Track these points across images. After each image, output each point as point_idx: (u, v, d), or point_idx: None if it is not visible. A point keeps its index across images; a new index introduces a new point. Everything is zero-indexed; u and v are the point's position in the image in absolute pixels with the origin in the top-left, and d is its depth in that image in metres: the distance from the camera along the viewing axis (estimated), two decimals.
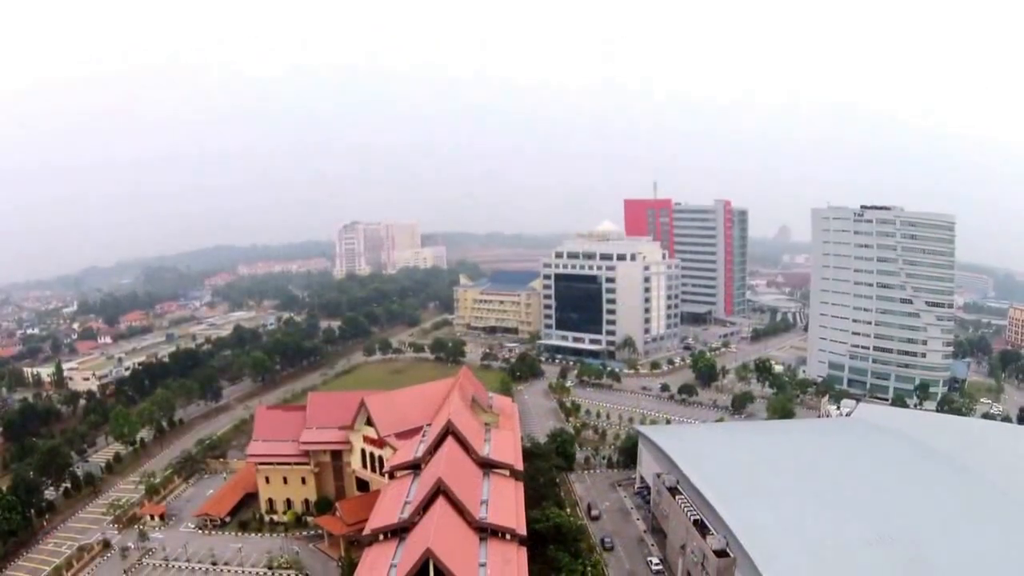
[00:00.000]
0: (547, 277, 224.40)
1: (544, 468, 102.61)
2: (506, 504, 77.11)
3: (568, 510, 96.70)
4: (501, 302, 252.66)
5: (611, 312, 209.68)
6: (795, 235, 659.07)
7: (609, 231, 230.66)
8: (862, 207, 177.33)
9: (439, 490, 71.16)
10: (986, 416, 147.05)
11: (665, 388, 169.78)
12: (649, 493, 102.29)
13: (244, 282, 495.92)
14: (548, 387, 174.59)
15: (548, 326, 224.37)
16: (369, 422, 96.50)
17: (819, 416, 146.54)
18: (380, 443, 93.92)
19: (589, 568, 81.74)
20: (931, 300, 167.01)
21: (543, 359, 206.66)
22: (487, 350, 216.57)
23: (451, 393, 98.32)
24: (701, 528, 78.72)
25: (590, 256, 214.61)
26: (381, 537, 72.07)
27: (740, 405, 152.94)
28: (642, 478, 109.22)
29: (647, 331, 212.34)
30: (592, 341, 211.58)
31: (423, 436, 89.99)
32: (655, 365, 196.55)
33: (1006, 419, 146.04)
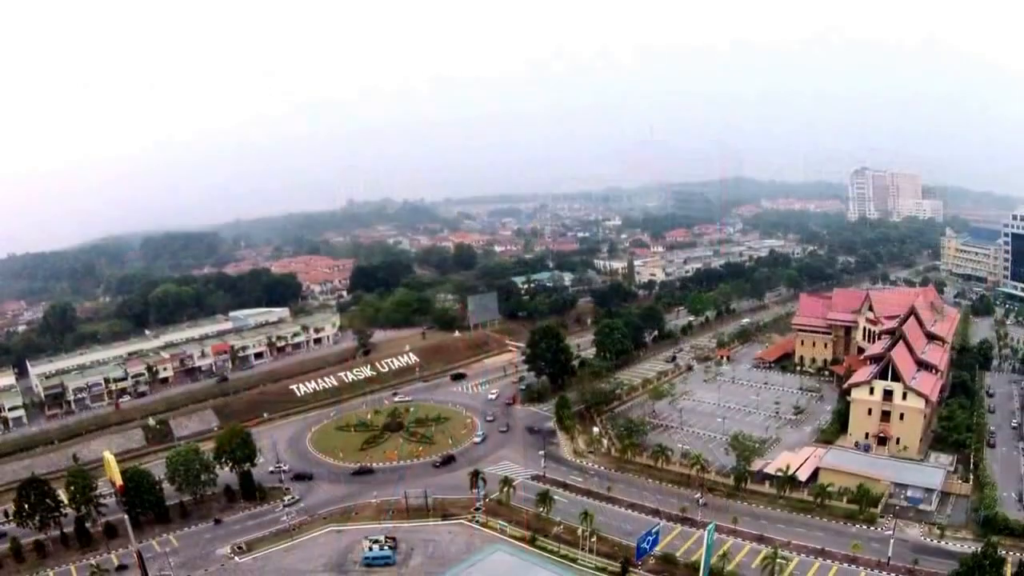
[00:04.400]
0: (1007, 235, 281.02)
1: (967, 359, 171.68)
2: (935, 355, 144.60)
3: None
4: (976, 254, 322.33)
5: None
6: None
7: None
8: None
9: (901, 336, 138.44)
10: None
11: None
12: None
13: (769, 215, 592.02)
14: (994, 321, 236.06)
15: (1006, 277, 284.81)
16: (870, 308, 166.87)
17: None
18: (875, 321, 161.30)
19: (976, 415, 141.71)
20: None
21: (997, 303, 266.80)
22: (959, 291, 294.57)
23: (919, 296, 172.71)
24: None
25: None
26: (868, 363, 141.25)
27: None
28: None
29: None
30: None
31: (900, 317, 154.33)
32: None
33: None
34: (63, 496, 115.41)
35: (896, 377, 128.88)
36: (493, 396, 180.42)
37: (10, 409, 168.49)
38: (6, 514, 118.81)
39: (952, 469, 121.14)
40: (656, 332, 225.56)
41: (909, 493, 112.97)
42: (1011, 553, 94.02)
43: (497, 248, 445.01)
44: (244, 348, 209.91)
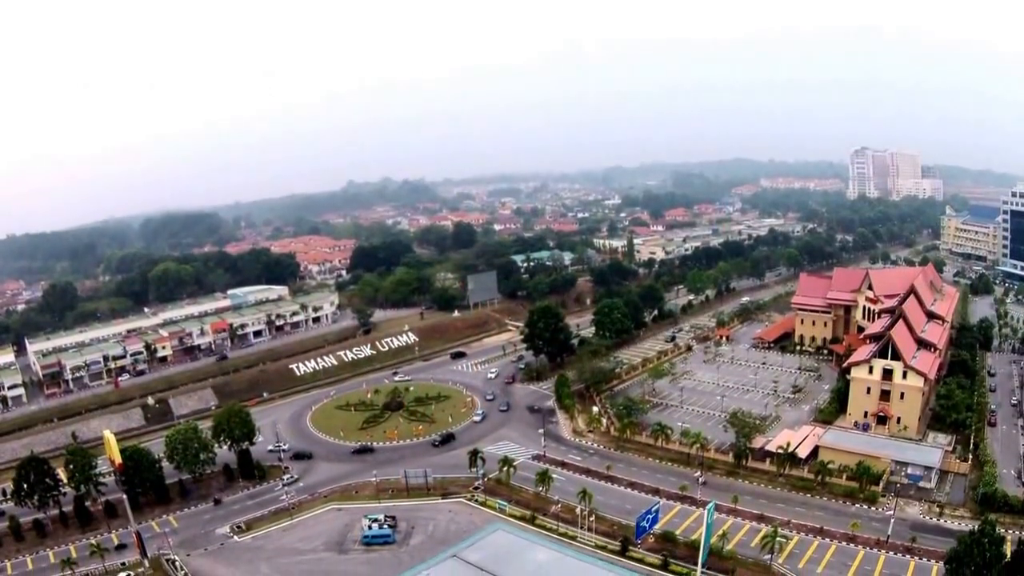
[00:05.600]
0: (1005, 213, 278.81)
1: (966, 338, 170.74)
2: (935, 334, 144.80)
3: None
4: (976, 232, 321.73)
5: None
6: None
7: None
8: None
9: (901, 315, 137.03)
10: None
11: None
12: None
13: (768, 194, 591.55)
14: (993, 300, 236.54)
15: (1005, 255, 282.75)
16: (870, 287, 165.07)
17: None
18: (875, 300, 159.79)
19: (976, 394, 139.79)
20: None
21: (997, 282, 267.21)
22: (958, 270, 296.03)
23: (918, 275, 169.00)
24: None
25: None
26: (867, 342, 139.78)
27: None
28: None
29: None
30: None
31: (899, 296, 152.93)
32: None
33: None
34: (62, 475, 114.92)
35: (896, 356, 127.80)
36: (493, 375, 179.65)
37: (9, 387, 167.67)
38: (4, 493, 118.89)
39: (951, 448, 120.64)
40: (656, 311, 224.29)
41: (909, 471, 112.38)
42: (1010, 531, 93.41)
43: (496, 227, 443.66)
44: (243, 326, 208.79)
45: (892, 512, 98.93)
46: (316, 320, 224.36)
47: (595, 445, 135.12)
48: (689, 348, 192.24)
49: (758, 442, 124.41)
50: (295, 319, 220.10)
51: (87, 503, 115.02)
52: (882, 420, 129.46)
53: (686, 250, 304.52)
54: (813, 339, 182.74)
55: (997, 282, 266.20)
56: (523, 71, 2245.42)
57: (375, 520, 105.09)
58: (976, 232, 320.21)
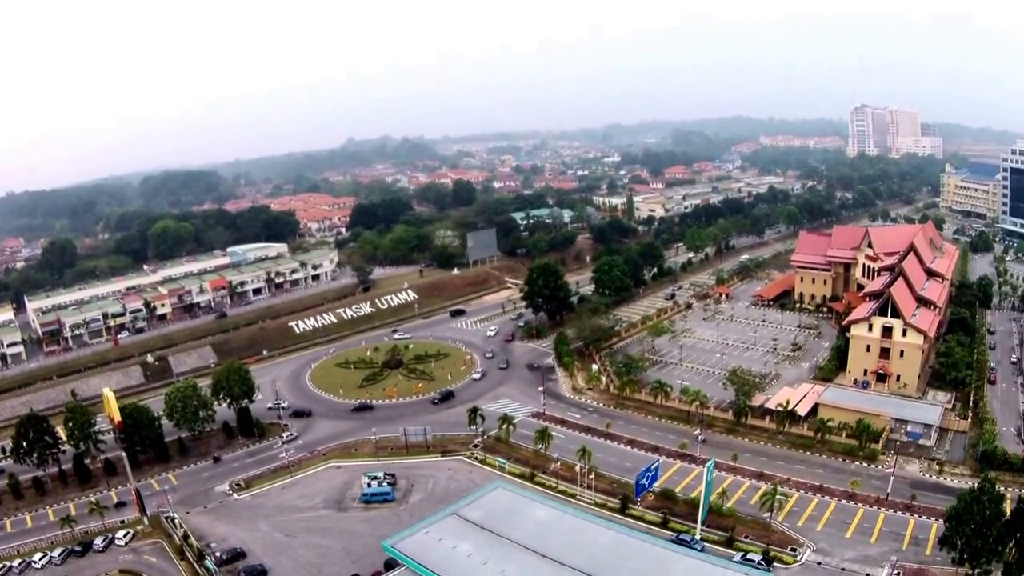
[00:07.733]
0: (1005, 171, 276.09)
1: (966, 296, 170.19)
2: (935, 291, 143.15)
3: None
4: (976, 190, 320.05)
5: None
6: None
7: None
8: None
9: (901, 273, 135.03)
10: None
11: None
12: None
13: (768, 152, 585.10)
14: (993, 257, 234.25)
15: (1004, 213, 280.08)
16: (869, 245, 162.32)
17: None
18: (875, 258, 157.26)
19: (976, 352, 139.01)
20: None
21: (996, 239, 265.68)
22: (958, 227, 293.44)
23: (918, 233, 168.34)
24: None
25: None
26: (867, 299, 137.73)
27: None
28: None
29: None
30: None
31: (899, 254, 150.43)
32: None
33: None
34: (61, 432, 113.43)
35: (896, 314, 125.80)
36: (492, 333, 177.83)
37: (8, 345, 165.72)
38: (4, 450, 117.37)
39: (950, 406, 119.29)
40: (655, 269, 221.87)
41: (909, 428, 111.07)
42: (1009, 488, 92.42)
43: (496, 185, 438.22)
44: (242, 284, 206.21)
45: (892, 470, 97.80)
46: (315, 278, 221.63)
47: (594, 403, 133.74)
48: (689, 306, 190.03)
49: (758, 400, 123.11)
50: (294, 277, 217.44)
51: (86, 461, 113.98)
52: (882, 378, 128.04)
53: (686, 208, 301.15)
54: (813, 297, 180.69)
55: (997, 240, 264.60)
56: (521, 56, 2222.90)
57: (375, 478, 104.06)
58: (976, 190, 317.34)
